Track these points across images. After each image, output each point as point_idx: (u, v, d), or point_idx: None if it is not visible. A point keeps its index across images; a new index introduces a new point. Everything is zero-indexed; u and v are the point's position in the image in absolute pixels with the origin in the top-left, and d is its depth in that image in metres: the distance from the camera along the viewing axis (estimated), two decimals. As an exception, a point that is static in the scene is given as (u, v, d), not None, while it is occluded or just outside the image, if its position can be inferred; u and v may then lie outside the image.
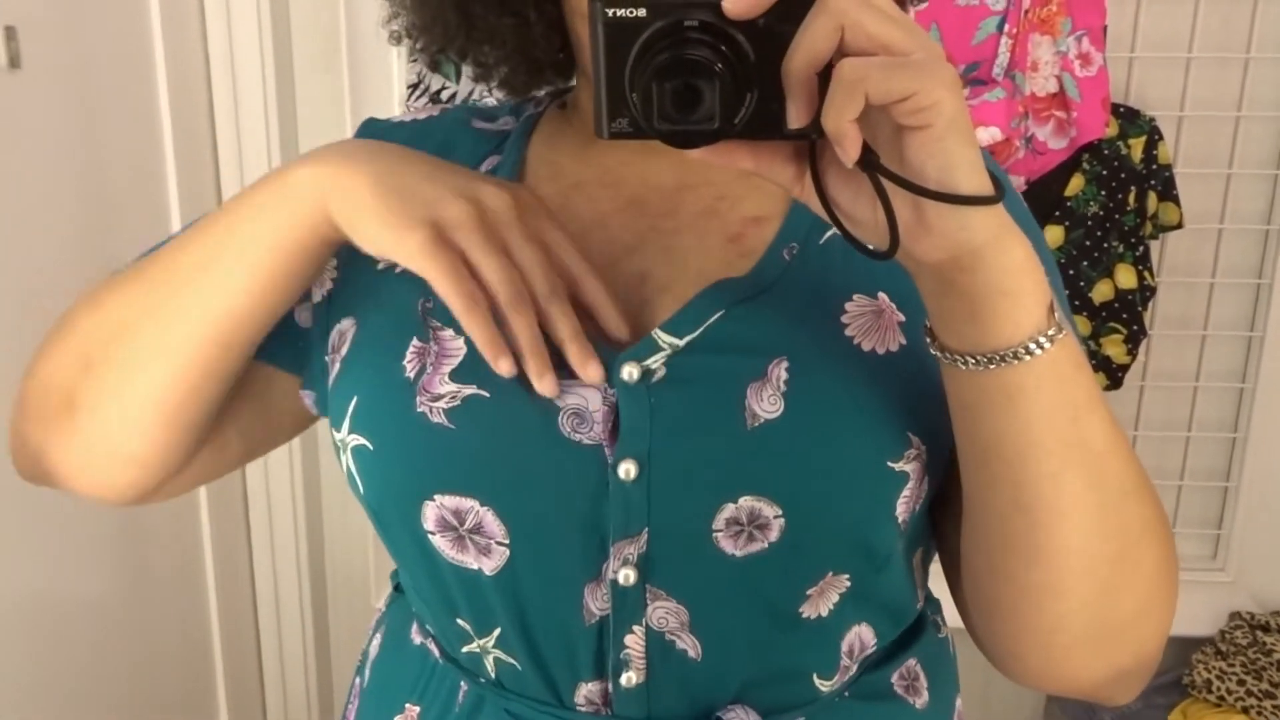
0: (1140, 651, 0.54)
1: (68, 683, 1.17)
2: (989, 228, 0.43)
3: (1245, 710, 1.44)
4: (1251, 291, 1.59)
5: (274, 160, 1.45)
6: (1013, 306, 0.45)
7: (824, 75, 0.42)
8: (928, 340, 0.50)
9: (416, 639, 0.66)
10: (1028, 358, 0.46)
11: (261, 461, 1.52)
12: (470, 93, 1.34)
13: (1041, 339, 0.46)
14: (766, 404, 0.53)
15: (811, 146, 0.45)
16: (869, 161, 0.42)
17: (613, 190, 0.61)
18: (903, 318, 0.56)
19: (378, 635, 0.71)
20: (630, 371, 0.53)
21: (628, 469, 0.53)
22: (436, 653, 0.64)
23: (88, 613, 1.20)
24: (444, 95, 1.41)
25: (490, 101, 0.71)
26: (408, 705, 0.64)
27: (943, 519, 0.60)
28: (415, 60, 1.38)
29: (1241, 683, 1.47)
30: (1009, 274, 0.44)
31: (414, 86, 1.44)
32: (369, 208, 0.52)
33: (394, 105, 1.49)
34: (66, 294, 0.65)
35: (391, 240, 0.52)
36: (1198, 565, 1.69)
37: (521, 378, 0.53)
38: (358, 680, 0.72)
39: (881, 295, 0.56)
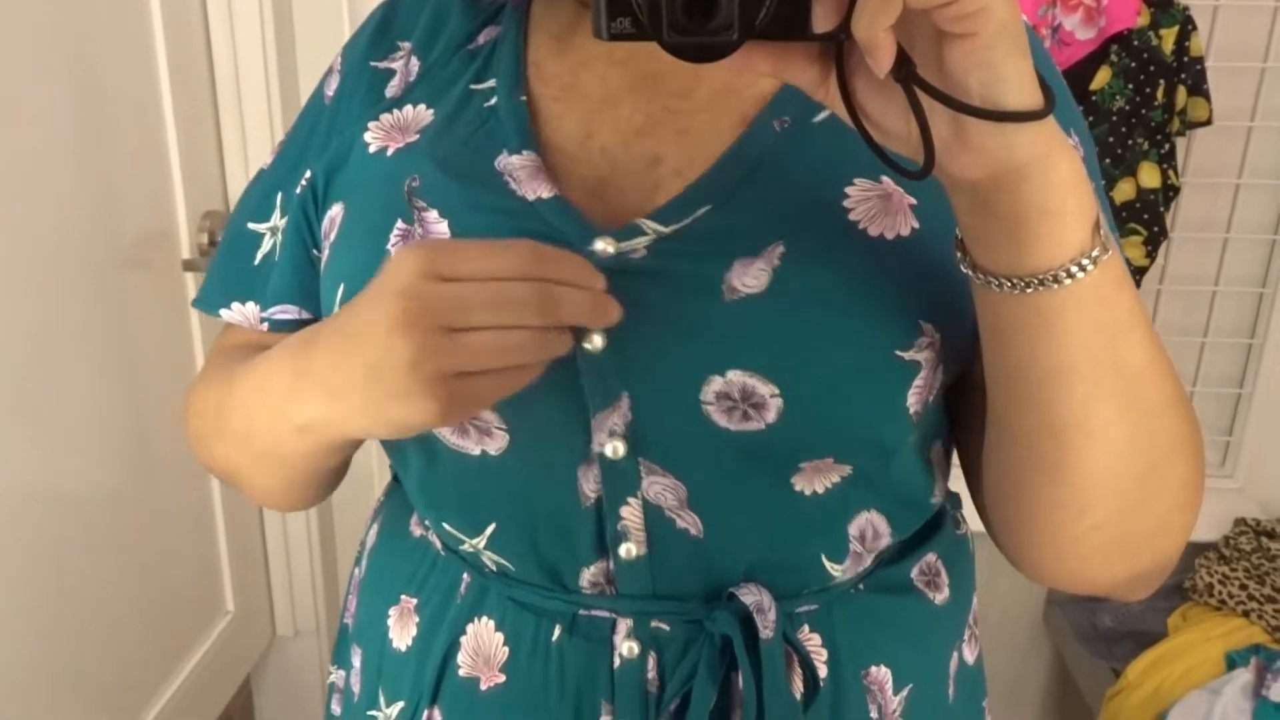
0: (1160, 557, 0.53)
1: (72, 578, 1.18)
2: (1036, 145, 0.39)
3: (1246, 614, 1.44)
4: (1277, 193, 1.54)
5: (268, 48, 1.39)
6: (1056, 226, 0.41)
7: None
8: (959, 256, 0.46)
9: (416, 531, 0.65)
10: (1069, 281, 0.42)
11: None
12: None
13: (1085, 260, 0.42)
14: (750, 279, 0.50)
15: (839, 47, 0.40)
16: (905, 72, 0.38)
17: (623, 67, 0.57)
18: (914, 200, 0.52)
19: (375, 526, 0.70)
20: (604, 247, 0.51)
21: (594, 339, 0.51)
22: (438, 545, 0.63)
23: (91, 508, 1.20)
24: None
25: None
26: (404, 597, 0.63)
27: (964, 416, 0.58)
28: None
29: (1244, 587, 1.47)
30: (1054, 191, 0.41)
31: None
32: (370, 414, 0.49)
33: None
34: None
35: (415, 417, 0.47)
36: (1207, 471, 1.67)
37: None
38: (356, 571, 0.71)
39: (885, 179, 0.52)
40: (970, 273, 0.45)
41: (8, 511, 1.07)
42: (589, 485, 0.54)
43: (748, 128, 0.54)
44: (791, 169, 0.53)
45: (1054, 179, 0.40)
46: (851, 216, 0.52)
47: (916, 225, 0.52)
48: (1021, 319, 0.44)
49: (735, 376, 0.50)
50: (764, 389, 0.50)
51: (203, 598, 1.48)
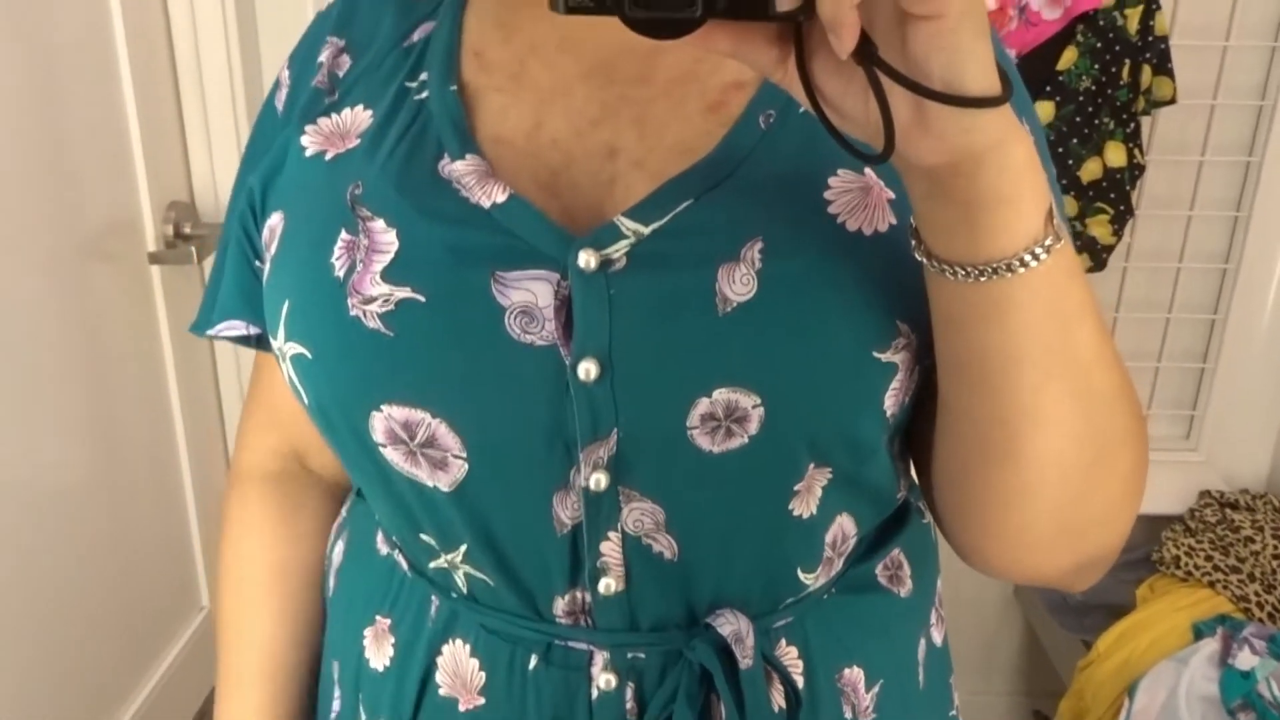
0: (1105, 545, 0.53)
1: (41, 576, 1.16)
2: (994, 131, 0.39)
3: (1211, 584, 1.47)
4: (1240, 170, 1.57)
5: (230, 34, 1.37)
6: (1011, 214, 0.41)
7: None
8: (913, 244, 0.46)
9: (383, 549, 0.63)
10: (1022, 270, 0.42)
11: (231, 346, 1.49)
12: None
13: (1038, 249, 0.42)
14: (739, 285, 0.48)
15: (798, 29, 0.40)
16: (866, 54, 0.37)
17: (575, 54, 0.55)
18: (892, 195, 0.51)
19: (340, 542, 0.68)
20: (588, 260, 0.49)
21: (588, 369, 0.49)
22: (405, 565, 0.61)
23: (60, 504, 1.19)
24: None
25: None
26: (378, 617, 0.62)
27: (914, 409, 0.57)
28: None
29: (1209, 558, 1.50)
30: (1009, 178, 0.40)
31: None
32: None
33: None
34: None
35: None
36: (1171, 445, 1.71)
37: (460, 273, 0.49)
38: (324, 585, 0.70)
39: (869, 171, 0.52)
40: (925, 261, 0.45)
41: (-25, 514, 1.05)
42: (565, 513, 0.52)
43: (734, 126, 0.52)
44: (774, 162, 0.52)
45: (1010, 165, 0.40)
46: (831, 210, 0.51)
47: (894, 221, 0.51)
48: (975, 307, 0.44)
49: (721, 394, 0.49)
50: (747, 401, 0.49)
51: (177, 594, 1.46)
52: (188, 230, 1.37)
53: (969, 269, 0.43)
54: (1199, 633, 1.40)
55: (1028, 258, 0.42)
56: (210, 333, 0.65)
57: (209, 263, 1.41)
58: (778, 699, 0.56)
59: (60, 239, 1.17)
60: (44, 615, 1.17)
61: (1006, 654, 1.90)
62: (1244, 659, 1.30)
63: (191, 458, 1.45)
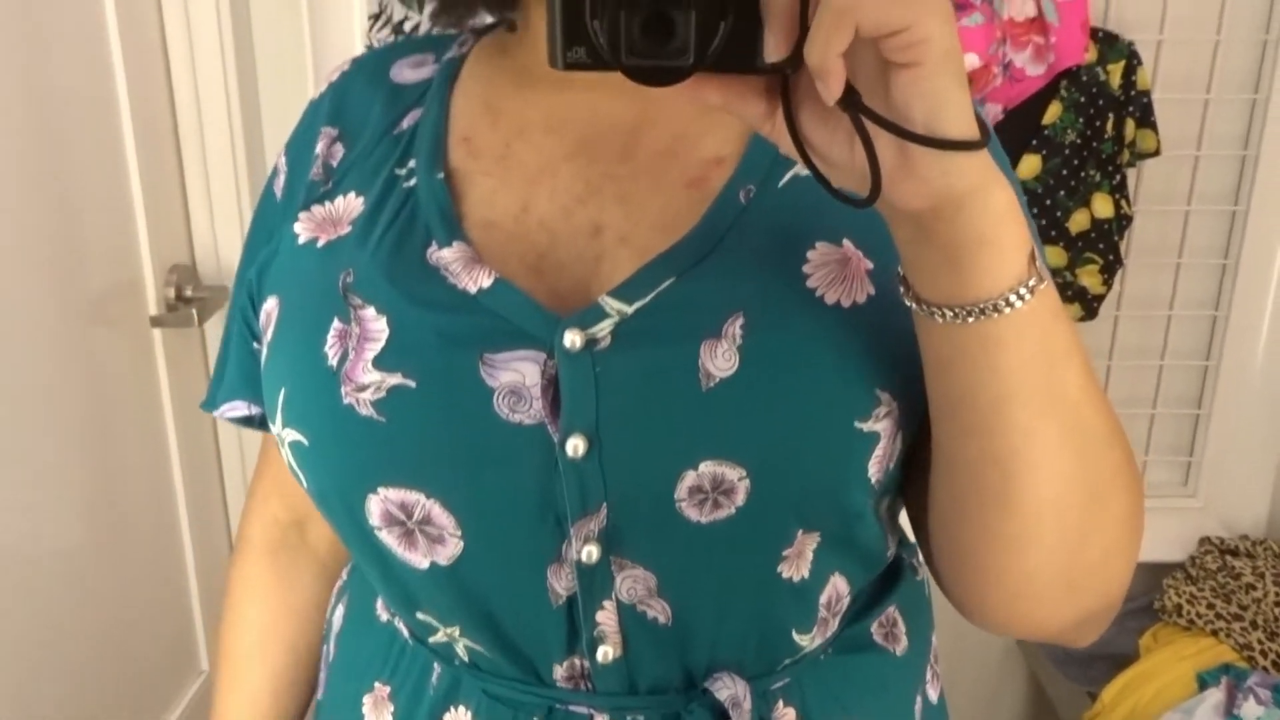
0: (1106, 594, 0.53)
1: (42, 641, 1.16)
2: (975, 173, 0.41)
3: (1214, 633, 1.47)
4: (1227, 219, 1.59)
5: (232, 99, 1.40)
6: (994, 256, 0.43)
7: (804, 2, 0.38)
8: (901, 290, 0.47)
9: (383, 616, 0.64)
10: (1008, 310, 0.43)
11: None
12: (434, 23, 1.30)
13: (1022, 289, 0.43)
14: (721, 361, 0.50)
15: (784, 81, 0.42)
16: (851, 101, 0.39)
17: (559, 135, 0.57)
18: (871, 265, 0.53)
19: (340, 606, 0.69)
20: (573, 340, 0.50)
21: (575, 445, 0.50)
22: (405, 633, 0.62)
23: (60, 569, 1.19)
24: (406, 26, 1.36)
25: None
26: (378, 684, 0.62)
27: (908, 465, 0.58)
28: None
29: (1210, 606, 1.50)
30: (990, 220, 0.42)
31: (375, 17, 1.39)
32: None
33: (355, 39, 1.44)
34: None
35: None
36: (1169, 491, 1.71)
37: (449, 357, 0.51)
38: (325, 649, 0.71)
39: (847, 243, 0.53)
40: (914, 305, 0.46)
41: (-25, 580, 1.05)
42: (560, 585, 0.53)
43: (714, 202, 0.53)
44: (754, 236, 0.53)
45: (991, 208, 0.42)
46: (810, 284, 0.52)
47: (873, 291, 0.52)
48: (964, 349, 0.45)
49: (706, 468, 0.50)
50: (732, 474, 0.50)
51: (177, 657, 1.46)
52: (189, 293, 1.38)
53: (956, 310, 0.44)
54: (1203, 682, 1.39)
55: (1012, 298, 0.43)
56: (216, 413, 0.68)
57: (210, 325, 1.42)
58: None
59: (63, 303, 1.18)
60: (43, 677, 1.16)
61: (1010, 707, 1.88)
62: (1249, 709, 1.29)
63: (191, 518, 1.45)
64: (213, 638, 1.51)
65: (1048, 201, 1.45)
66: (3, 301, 1.08)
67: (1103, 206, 1.46)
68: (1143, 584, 1.66)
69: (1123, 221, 1.48)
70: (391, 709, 0.61)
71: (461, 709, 0.58)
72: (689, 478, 0.50)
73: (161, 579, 1.41)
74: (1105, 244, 1.47)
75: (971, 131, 0.40)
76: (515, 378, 0.50)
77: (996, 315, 0.44)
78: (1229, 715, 1.30)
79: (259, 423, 0.67)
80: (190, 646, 1.49)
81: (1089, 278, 1.49)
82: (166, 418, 1.39)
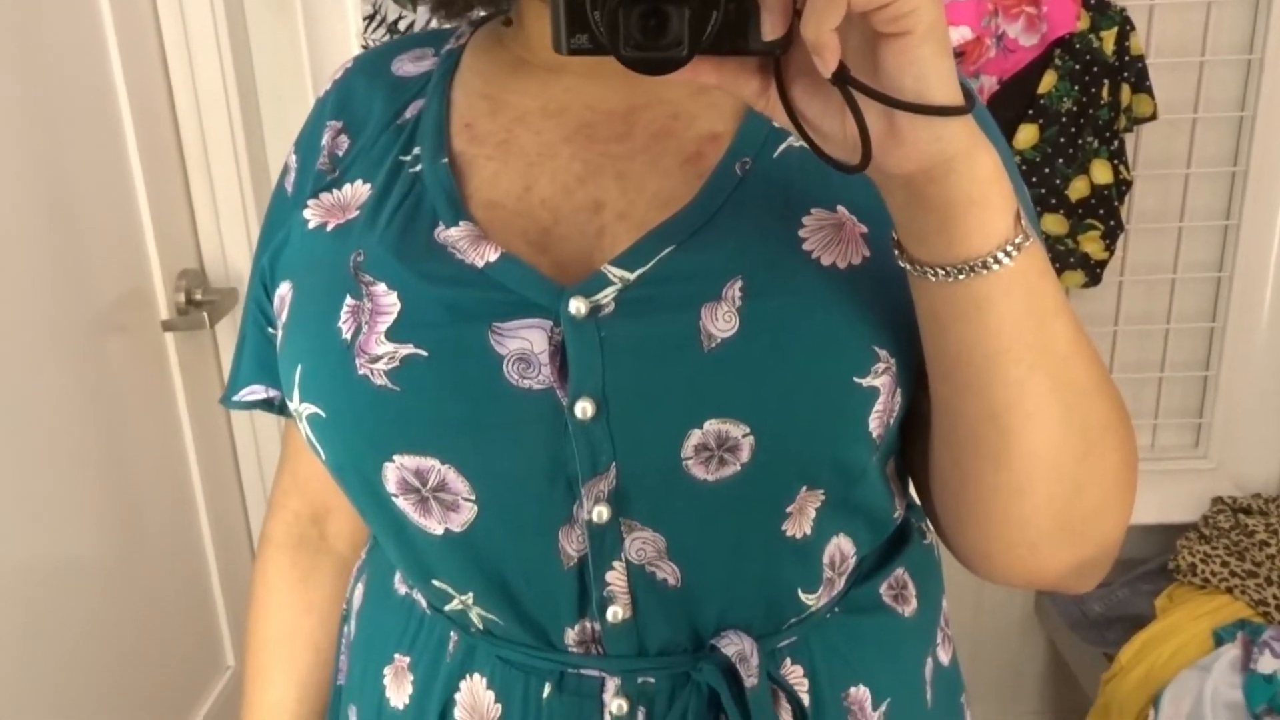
0: (1102, 542, 0.55)
1: (68, 646, 1.18)
2: (961, 138, 0.43)
3: (1229, 590, 1.48)
4: (1227, 180, 1.59)
5: (231, 104, 1.41)
6: (982, 216, 0.45)
7: None
8: (896, 253, 0.49)
9: (400, 589, 0.66)
10: (996, 267, 0.46)
11: (248, 413, 1.51)
12: (428, 21, 1.31)
13: (1009, 248, 0.46)
14: (721, 323, 0.52)
15: (776, 60, 0.44)
16: (841, 74, 0.41)
17: (558, 119, 0.58)
18: (865, 229, 0.55)
19: (360, 585, 0.71)
20: (578, 307, 0.52)
21: (584, 407, 0.51)
22: (423, 604, 0.64)
23: (82, 574, 1.21)
24: (400, 26, 1.38)
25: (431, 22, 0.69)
26: (397, 656, 0.64)
27: (907, 425, 0.60)
28: (369, -11, 1.34)
29: (1225, 564, 1.51)
30: (978, 184, 0.44)
31: (370, 18, 1.40)
32: None
33: (350, 40, 1.46)
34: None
35: None
36: (1180, 454, 1.72)
37: (459, 327, 0.53)
38: (346, 630, 0.73)
39: (841, 208, 0.55)
40: (907, 266, 0.48)
41: None
42: (571, 546, 0.55)
43: (711, 176, 0.55)
44: (751, 205, 0.55)
45: (978, 171, 0.44)
46: (806, 246, 0.54)
47: (868, 254, 0.54)
48: (957, 306, 0.47)
49: (711, 426, 0.51)
50: (736, 431, 0.51)
51: (202, 655, 1.48)
52: (199, 296, 1.40)
53: (948, 269, 0.46)
54: (1220, 639, 1.40)
55: (1000, 255, 0.46)
56: (235, 399, 0.70)
57: (221, 327, 1.44)
58: (785, 717, 0.58)
59: (74, 314, 1.20)
60: (76, 681, 1.18)
61: (1031, 674, 1.89)
62: (1266, 663, 1.30)
63: (211, 517, 1.47)
64: (237, 634, 1.53)
65: (1046, 170, 1.46)
66: (14, 315, 1.10)
67: (1102, 173, 1.47)
68: (1156, 546, 1.66)
69: (1122, 187, 1.48)
70: (411, 679, 0.63)
71: (477, 676, 0.60)
72: (694, 436, 0.52)
73: (185, 580, 1.43)
74: (1106, 210, 1.48)
75: (957, 98, 0.42)
76: (523, 345, 0.52)
77: (985, 273, 0.46)
78: (1246, 670, 1.31)
79: (278, 407, 0.69)
80: (216, 643, 1.51)
81: (1091, 244, 1.50)
82: (182, 419, 1.41)
